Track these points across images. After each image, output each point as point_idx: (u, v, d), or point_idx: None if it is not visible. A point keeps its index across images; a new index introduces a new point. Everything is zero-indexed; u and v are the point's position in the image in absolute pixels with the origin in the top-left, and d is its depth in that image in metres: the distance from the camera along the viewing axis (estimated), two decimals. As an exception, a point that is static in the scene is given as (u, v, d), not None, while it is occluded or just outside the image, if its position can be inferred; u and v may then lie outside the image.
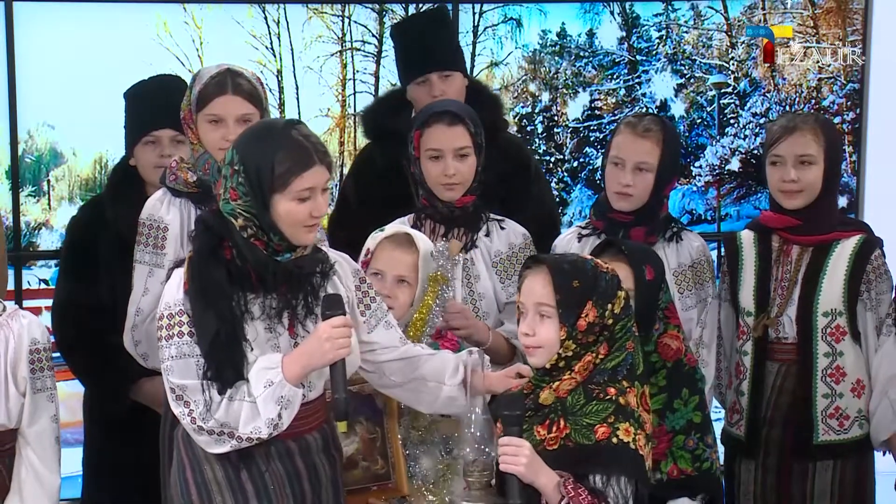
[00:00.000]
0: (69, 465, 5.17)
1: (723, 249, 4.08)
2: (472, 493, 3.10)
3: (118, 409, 4.11)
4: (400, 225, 3.76)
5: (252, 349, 3.01)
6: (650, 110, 5.64)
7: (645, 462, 3.03)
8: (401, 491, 3.43)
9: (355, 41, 5.55)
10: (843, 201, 5.86)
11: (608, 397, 3.03)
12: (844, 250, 3.86)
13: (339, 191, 4.80)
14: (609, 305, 3.07)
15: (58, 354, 4.41)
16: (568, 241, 3.96)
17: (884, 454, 3.97)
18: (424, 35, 4.40)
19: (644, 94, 5.80)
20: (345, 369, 3.01)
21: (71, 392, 5.30)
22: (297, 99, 5.52)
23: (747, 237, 4.00)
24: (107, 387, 4.17)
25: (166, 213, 3.65)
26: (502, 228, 3.90)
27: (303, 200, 3.00)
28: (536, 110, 5.71)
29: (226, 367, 2.97)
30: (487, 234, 3.87)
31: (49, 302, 4.69)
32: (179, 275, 3.04)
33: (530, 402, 3.06)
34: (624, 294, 3.11)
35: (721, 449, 3.99)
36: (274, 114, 3.76)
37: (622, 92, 5.81)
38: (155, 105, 4.07)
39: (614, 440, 2.98)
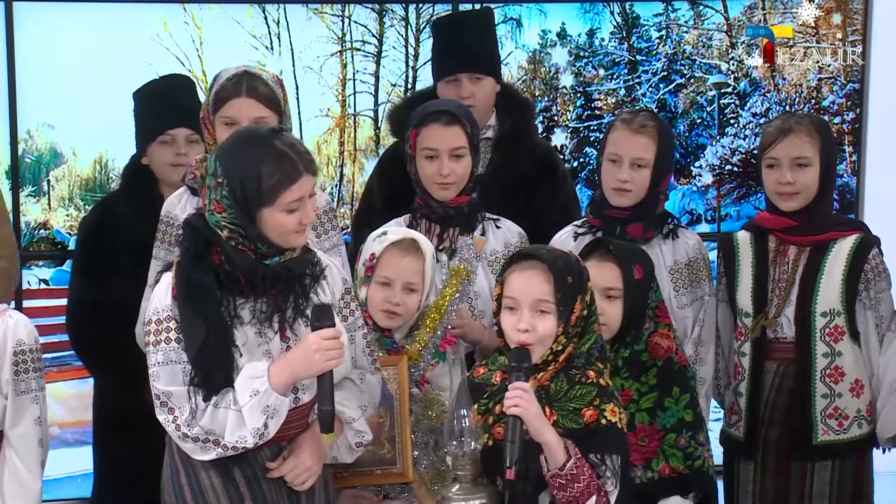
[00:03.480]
0: (71, 464, 5.21)
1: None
2: (463, 486, 3.11)
3: (133, 408, 4.10)
4: (401, 228, 3.76)
5: (241, 354, 2.98)
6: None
7: (628, 439, 3.13)
8: (405, 477, 3.44)
9: (355, 41, 5.56)
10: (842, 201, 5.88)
11: (590, 381, 3.09)
12: (842, 250, 3.86)
13: (364, 187, 4.78)
14: (587, 298, 3.14)
15: (71, 353, 4.43)
16: (564, 241, 3.95)
17: (883, 451, 3.97)
18: (463, 35, 4.39)
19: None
20: (332, 381, 2.99)
21: (71, 392, 5.32)
22: (297, 99, 5.52)
23: (743, 238, 4.00)
24: (124, 386, 4.16)
25: (181, 211, 3.65)
26: (498, 227, 3.90)
27: (292, 211, 2.96)
28: (536, 110, 5.70)
29: (214, 373, 2.95)
30: (483, 234, 3.87)
31: (49, 302, 4.70)
32: (168, 279, 3.02)
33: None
34: (590, 282, 3.16)
35: (720, 449, 3.99)
36: (290, 115, 3.76)
37: (622, 92, 5.82)
38: (170, 104, 4.08)
39: (603, 421, 3.04)
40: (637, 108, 5.56)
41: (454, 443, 3.05)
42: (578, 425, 3.04)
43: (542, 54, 5.72)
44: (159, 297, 3.02)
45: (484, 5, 5.38)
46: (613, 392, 3.12)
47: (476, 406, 3.15)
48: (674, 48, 5.81)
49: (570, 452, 2.98)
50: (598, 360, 3.15)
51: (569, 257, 3.17)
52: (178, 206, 3.66)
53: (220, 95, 3.56)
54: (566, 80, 5.75)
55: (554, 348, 3.10)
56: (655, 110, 5.69)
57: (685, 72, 5.84)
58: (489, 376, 3.22)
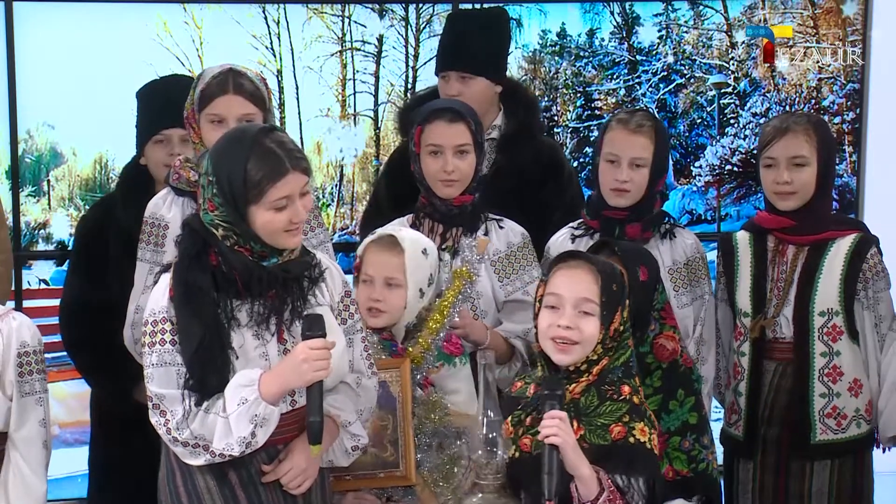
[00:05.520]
0: (71, 464, 5.22)
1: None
2: (485, 497, 3.09)
3: (123, 408, 4.11)
4: (391, 226, 3.74)
5: (237, 357, 2.98)
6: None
7: (659, 462, 3.05)
8: (408, 480, 3.42)
9: (355, 41, 5.56)
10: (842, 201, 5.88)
11: (622, 397, 3.05)
12: (840, 249, 3.86)
13: (372, 188, 4.78)
14: (625, 312, 3.11)
15: (64, 353, 4.43)
16: (561, 242, 3.94)
17: (884, 451, 3.97)
18: (461, 32, 4.40)
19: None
20: (321, 392, 2.97)
21: (71, 392, 5.32)
22: (297, 99, 5.52)
23: (743, 238, 4.00)
24: (112, 386, 4.17)
25: (167, 211, 3.66)
26: (501, 227, 3.89)
27: (280, 209, 2.95)
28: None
29: (209, 376, 2.94)
30: (486, 234, 3.87)
31: (49, 302, 4.69)
32: (166, 280, 3.01)
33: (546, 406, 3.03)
34: (628, 300, 3.15)
35: (720, 449, 3.99)
36: (275, 114, 3.77)
37: (622, 92, 5.82)
38: (166, 104, 4.07)
39: (631, 440, 2.99)
40: (633, 107, 5.56)
41: (480, 451, 3.03)
42: (605, 441, 3.00)
43: (542, 54, 5.72)
44: (156, 298, 3.01)
45: (496, 5, 5.37)
46: (646, 411, 3.07)
47: (510, 418, 3.14)
48: (674, 48, 5.81)
49: (602, 485, 2.93)
50: (637, 374, 3.11)
51: (615, 267, 3.14)
52: (164, 206, 3.66)
53: (205, 93, 3.57)
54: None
55: (590, 357, 3.06)
56: (655, 110, 5.69)
57: (685, 72, 5.83)
58: (524, 389, 3.20)
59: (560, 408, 2.96)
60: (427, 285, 3.56)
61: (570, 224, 4.01)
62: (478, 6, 5.55)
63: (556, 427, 2.91)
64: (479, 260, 3.80)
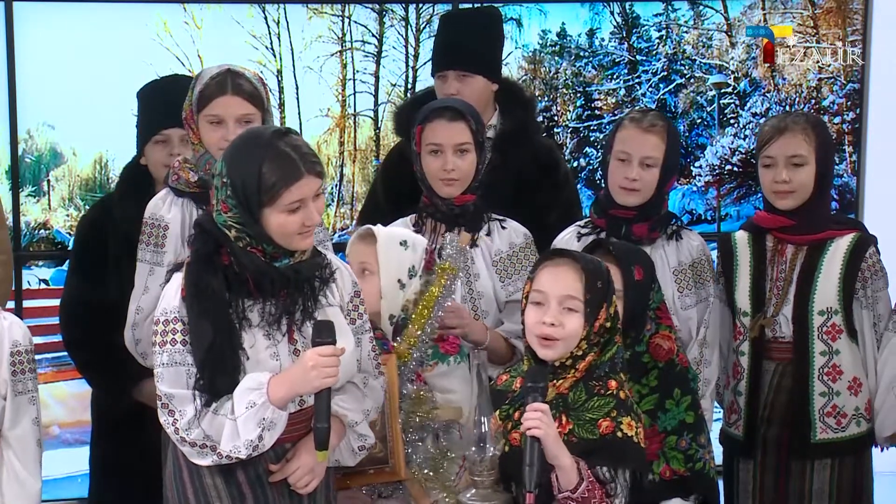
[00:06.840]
0: (71, 464, 5.22)
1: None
2: (480, 492, 3.10)
3: (121, 407, 4.12)
4: (393, 227, 3.75)
5: (248, 358, 2.99)
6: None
7: (645, 453, 3.08)
8: (398, 475, 3.42)
9: (355, 41, 5.56)
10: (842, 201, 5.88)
11: (609, 392, 3.08)
12: (839, 249, 3.87)
13: (369, 187, 4.78)
14: (611, 309, 3.13)
15: (65, 353, 4.44)
16: (567, 241, 3.93)
17: (881, 450, 3.97)
18: (457, 32, 4.41)
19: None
20: (329, 398, 2.98)
21: (71, 392, 5.32)
22: (297, 99, 5.52)
23: (742, 238, 4.00)
24: (110, 385, 4.18)
25: (167, 212, 3.66)
26: (503, 228, 3.89)
27: (294, 212, 2.97)
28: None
29: (219, 378, 2.95)
30: (489, 234, 3.87)
31: (49, 302, 4.70)
32: (178, 280, 3.02)
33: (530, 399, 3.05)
34: (615, 294, 3.17)
35: (720, 449, 3.99)
36: (274, 114, 3.76)
37: (622, 92, 5.82)
38: (166, 104, 4.08)
39: (619, 434, 3.03)
40: (644, 107, 5.56)
41: (474, 448, 3.05)
42: (594, 436, 3.04)
43: (542, 54, 5.72)
44: (168, 298, 3.02)
45: (489, 4, 5.37)
46: (633, 406, 3.11)
47: (497, 412, 3.16)
48: (674, 48, 5.81)
49: (582, 475, 2.97)
50: (623, 370, 3.14)
51: (600, 263, 3.17)
52: (163, 207, 3.66)
53: (204, 94, 3.57)
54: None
55: (574, 353, 3.09)
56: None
57: (685, 72, 5.84)
58: (510, 382, 3.23)
59: (542, 400, 2.99)
60: (408, 277, 3.55)
61: (577, 223, 4.01)
62: (475, 6, 5.54)
63: (537, 419, 2.94)
64: (460, 253, 3.77)
